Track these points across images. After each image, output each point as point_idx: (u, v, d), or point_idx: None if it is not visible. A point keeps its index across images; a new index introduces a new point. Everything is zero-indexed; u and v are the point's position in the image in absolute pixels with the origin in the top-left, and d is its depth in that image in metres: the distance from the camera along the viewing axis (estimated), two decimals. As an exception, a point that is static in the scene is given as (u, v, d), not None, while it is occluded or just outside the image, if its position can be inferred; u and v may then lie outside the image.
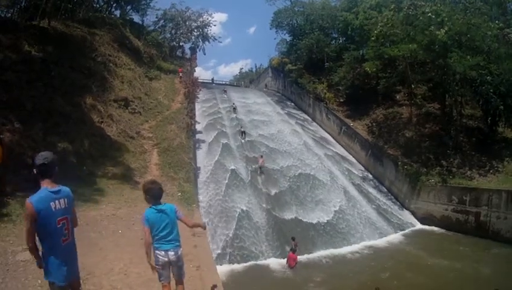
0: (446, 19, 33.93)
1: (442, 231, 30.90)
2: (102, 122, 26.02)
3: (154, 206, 7.37)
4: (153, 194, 7.34)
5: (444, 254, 24.75)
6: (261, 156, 34.32)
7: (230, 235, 24.43)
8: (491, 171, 32.17)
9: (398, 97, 44.87)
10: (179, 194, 22.07)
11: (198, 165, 31.41)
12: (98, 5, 48.41)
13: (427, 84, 41.76)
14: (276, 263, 22.93)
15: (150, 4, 55.39)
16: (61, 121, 21.54)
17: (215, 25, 59.40)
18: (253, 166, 33.94)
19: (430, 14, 34.40)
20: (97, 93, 28.17)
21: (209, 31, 58.22)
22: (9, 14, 31.94)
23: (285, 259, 22.53)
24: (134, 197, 19.14)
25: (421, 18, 35.34)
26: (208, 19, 57.44)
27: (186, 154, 27.88)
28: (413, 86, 41.57)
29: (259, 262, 22.99)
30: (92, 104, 26.27)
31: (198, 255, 13.15)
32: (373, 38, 40.48)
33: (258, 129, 42.78)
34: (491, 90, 32.86)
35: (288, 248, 23.37)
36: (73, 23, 34.74)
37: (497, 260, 24.23)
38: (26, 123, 18.80)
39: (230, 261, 22.45)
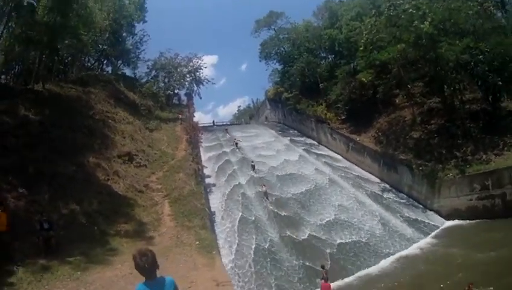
0: (427, 10, 34.04)
1: (471, 222, 29.85)
2: (108, 179, 25.75)
3: (147, 283, 6.15)
4: (143, 269, 6.22)
5: (481, 245, 23.91)
6: (264, 185, 34.67)
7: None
8: (505, 148, 31.43)
9: (397, 101, 44.51)
10: (197, 243, 21.05)
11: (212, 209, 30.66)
12: (89, 64, 49.29)
13: (423, 80, 41.43)
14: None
15: (140, 56, 56.25)
16: (66, 182, 21.41)
17: (206, 67, 59.14)
18: (259, 189, 34.39)
19: (410, 9, 34.47)
20: (99, 151, 28.10)
21: (201, 74, 58.68)
22: (4, 81, 32.38)
23: None
24: (150, 253, 18.64)
25: (403, 16, 35.36)
26: (198, 62, 58.00)
27: (198, 201, 27.05)
28: (409, 86, 41.19)
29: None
30: (96, 162, 26.12)
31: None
32: (361, 48, 40.84)
33: (266, 163, 41.92)
34: (486, 69, 32.56)
35: (318, 279, 22.20)
36: (67, 84, 35.33)
37: None
38: (31, 187, 18.63)
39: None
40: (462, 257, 22.93)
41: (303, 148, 48.99)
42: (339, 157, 46.53)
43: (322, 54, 60.90)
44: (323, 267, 22.02)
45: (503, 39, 33.47)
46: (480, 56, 32.52)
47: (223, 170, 39.91)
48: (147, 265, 5.61)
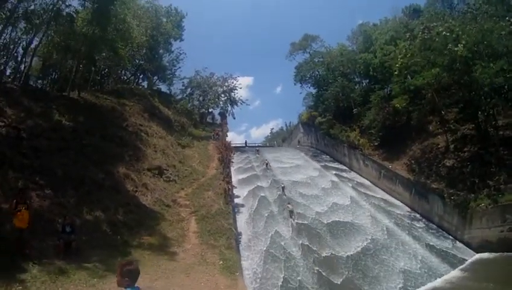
0: (460, 32, 33.46)
1: (503, 255, 28.30)
2: (136, 191, 26.09)
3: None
4: (137, 274, 6.25)
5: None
6: (289, 203, 35.17)
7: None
8: None
9: (431, 128, 43.40)
10: (221, 262, 20.82)
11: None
12: (125, 77, 50.43)
13: (457, 106, 40.36)
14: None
15: (175, 73, 57.22)
16: (94, 189, 21.84)
17: (241, 88, 59.36)
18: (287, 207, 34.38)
19: (444, 32, 33.96)
20: (130, 163, 28.61)
21: (236, 95, 59.08)
22: (41, 86, 33.30)
23: None
24: (172, 268, 18.50)
25: (437, 39, 34.84)
26: (233, 82, 58.54)
27: (226, 221, 26.86)
28: (443, 112, 40.40)
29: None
30: (126, 173, 26.57)
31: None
32: (396, 73, 40.24)
33: (297, 188, 41.30)
34: None
35: None
36: (103, 94, 36.20)
37: None
38: (58, 190, 19.08)
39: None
40: None
41: (335, 172, 48.65)
42: (370, 184, 45.72)
43: (357, 79, 60.84)
44: None
45: None
46: None
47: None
48: (137, 270, 6.23)
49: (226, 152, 41.27)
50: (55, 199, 18.38)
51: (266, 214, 34.11)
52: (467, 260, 29.07)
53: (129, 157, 29.05)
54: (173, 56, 55.86)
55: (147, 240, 21.33)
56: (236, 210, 33.96)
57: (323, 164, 52.88)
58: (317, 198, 39.04)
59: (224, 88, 57.48)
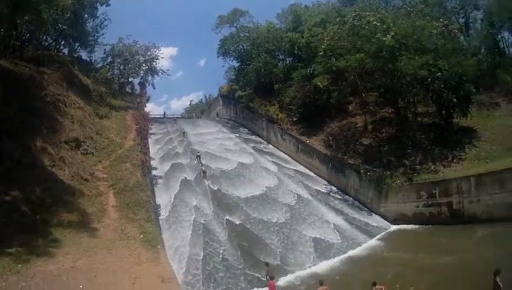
0: (392, 24, 35.53)
1: (417, 227, 31.90)
2: (54, 165, 24.76)
3: None
4: None
5: (425, 249, 25.64)
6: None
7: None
8: (454, 160, 34.08)
9: (350, 108, 46.27)
10: (141, 236, 20.91)
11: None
12: (46, 43, 47.16)
13: (378, 91, 43.10)
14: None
15: (98, 40, 54.43)
16: (11, 166, 20.46)
17: (162, 57, 57.26)
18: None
19: (375, 22, 35.85)
20: (47, 135, 26.74)
21: (157, 65, 57.32)
22: None
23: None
24: (93, 245, 18.28)
25: (366, 27, 36.72)
26: (155, 52, 56.63)
27: (144, 193, 26.69)
28: (364, 95, 42.64)
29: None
30: (43, 146, 24.99)
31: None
32: (321, 54, 41.54)
33: (215, 160, 41.80)
34: (443, 86, 34.72)
35: (261, 275, 22.58)
36: (22, 61, 33.62)
37: (487, 241, 25.53)
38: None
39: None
40: (405, 260, 24.31)
41: (252, 144, 49.93)
42: (287, 157, 47.34)
43: (281, 56, 61.57)
44: (267, 264, 22.47)
45: (463, 60, 35.93)
46: (439, 73, 34.55)
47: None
48: None
49: (144, 123, 40.52)
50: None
51: (181, 178, 35.57)
52: (383, 231, 31.91)
53: (46, 129, 27.11)
54: (97, 22, 52.64)
55: (66, 218, 20.73)
56: (154, 182, 33.97)
57: (239, 135, 54.04)
58: (226, 160, 41.61)
59: (146, 57, 55.51)
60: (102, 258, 17.24)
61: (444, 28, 36.63)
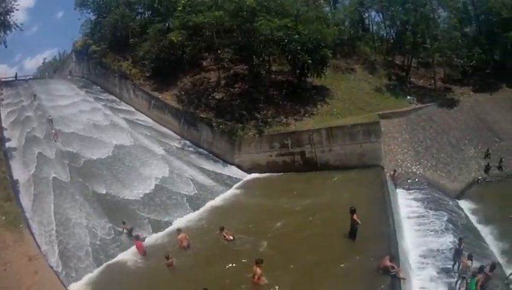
0: None
1: (272, 175, 34.10)
2: None
3: None
4: None
5: (284, 194, 27.72)
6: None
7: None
8: (306, 115, 37.26)
9: (205, 64, 46.97)
10: (3, 218, 18.48)
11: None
12: None
13: (234, 48, 44.48)
14: (130, 255, 20.29)
15: None
16: None
17: (17, 9, 48.83)
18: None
19: None
20: None
21: (11, 18, 49.16)
22: None
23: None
24: None
25: None
26: (10, 3, 48.48)
27: (-1, 168, 23.11)
28: (219, 51, 43.68)
29: (111, 262, 19.82)
30: None
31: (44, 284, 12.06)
32: (180, 8, 41.25)
33: (66, 123, 38.56)
34: (299, 48, 36.92)
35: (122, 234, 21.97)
36: None
37: (341, 185, 28.26)
38: None
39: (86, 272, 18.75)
40: (264, 205, 26.20)
41: (103, 103, 47.46)
42: (140, 114, 46.19)
43: (140, 10, 58.46)
44: (124, 223, 22.15)
45: (324, 28, 38.96)
46: (296, 36, 36.56)
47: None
48: None
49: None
50: None
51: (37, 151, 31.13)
52: (240, 181, 33.19)
53: None
54: None
55: None
56: (9, 155, 28.88)
57: (89, 93, 51.33)
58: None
59: (0, 9, 47.20)
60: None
61: None
